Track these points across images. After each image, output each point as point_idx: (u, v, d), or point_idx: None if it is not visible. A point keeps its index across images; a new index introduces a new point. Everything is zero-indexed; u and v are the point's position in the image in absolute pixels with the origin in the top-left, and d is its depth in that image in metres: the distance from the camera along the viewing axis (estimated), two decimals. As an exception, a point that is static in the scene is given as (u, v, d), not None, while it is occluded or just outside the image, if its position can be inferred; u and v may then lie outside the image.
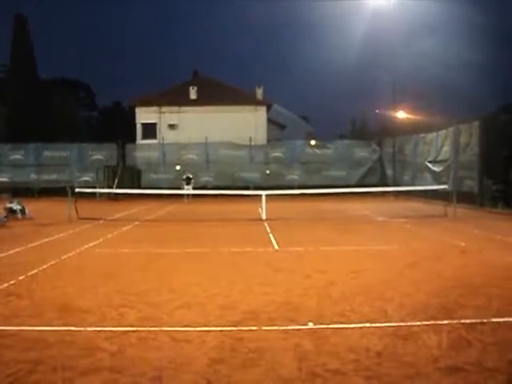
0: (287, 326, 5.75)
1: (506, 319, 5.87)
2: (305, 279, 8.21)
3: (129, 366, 4.65)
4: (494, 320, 5.83)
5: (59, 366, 4.63)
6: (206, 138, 34.37)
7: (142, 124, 39.10)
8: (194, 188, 29.86)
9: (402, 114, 35.48)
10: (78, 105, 55.04)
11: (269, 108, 41.69)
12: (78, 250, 11.21)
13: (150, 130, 38.68)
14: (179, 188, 29.05)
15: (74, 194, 18.74)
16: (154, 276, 8.63)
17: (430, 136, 27.01)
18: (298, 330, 5.63)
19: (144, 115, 39.13)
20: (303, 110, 63.19)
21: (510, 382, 4.24)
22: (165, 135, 37.08)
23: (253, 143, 35.20)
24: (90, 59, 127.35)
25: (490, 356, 4.77)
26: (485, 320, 5.81)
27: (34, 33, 44.90)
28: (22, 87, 42.59)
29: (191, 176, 30.58)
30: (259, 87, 40.50)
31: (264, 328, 5.68)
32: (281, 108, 53.21)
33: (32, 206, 20.19)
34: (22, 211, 18.39)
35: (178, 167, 34.39)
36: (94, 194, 27.92)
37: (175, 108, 38.71)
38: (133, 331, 5.60)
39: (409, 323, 5.73)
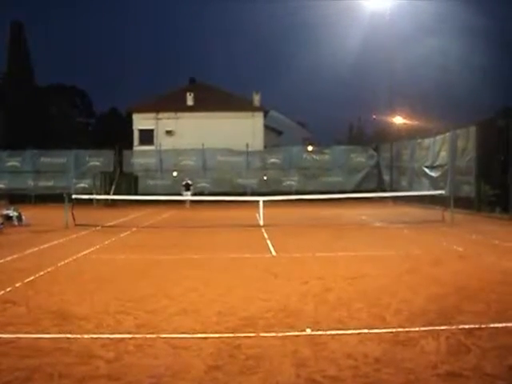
0: (285, 332, 5.73)
1: (504, 324, 5.86)
2: (302, 285, 8.19)
3: (126, 373, 4.61)
4: (492, 325, 5.81)
5: (56, 373, 4.60)
6: (203, 144, 34.37)
7: (139, 130, 39.13)
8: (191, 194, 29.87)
9: (399, 119, 35.58)
10: (75, 111, 55.06)
11: (266, 114, 41.79)
12: (74, 257, 11.18)
13: (147, 136, 38.72)
14: (176, 194, 28.99)
15: (70, 200, 18.69)
16: (151, 282, 8.59)
17: (428, 141, 27.06)
18: (296, 336, 5.60)
19: (141, 121, 39.17)
20: (300, 116, 63.20)
21: (509, 387, 4.23)
22: (162, 141, 37.11)
23: (250, 149, 35.19)
24: (87, 66, 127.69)
25: (488, 362, 4.75)
26: (483, 325, 5.79)
27: (30, 39, 44.93)
28: (19, 94, 42.60)
29: (191, 182, 30.54)
30: (256, 93, 40.57)
31: (262, 334, 5.66)
32: (278, 114, 53.33)
33: (29, 213, 20.14)
34: (19, 218, 18.34)
35: (174, 173, 34.38)
36: (91, 200, 27.88)
37: (172, 114, 38.78)
38: (130, 338, 5.57)
39: (407, 329, 5.71)
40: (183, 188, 30.09)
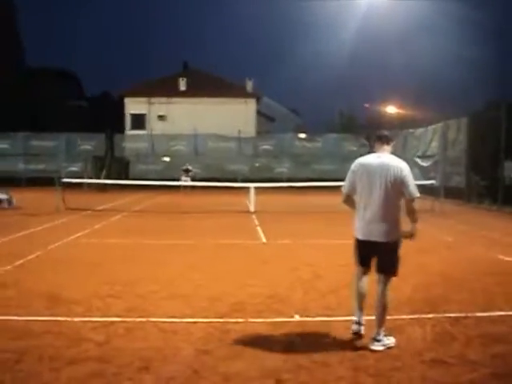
0: (274, 318, 5.79)
1: (489, 313, 5.95)
2: (292, 272, 8.25)
3: (115, 356, 4.66)
4: (477, 314, 5.90)
5: (46, 355, 4.63)
6: (195, 130, 34.24)
7: (131, 114, 38.94)
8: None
9: (391, 109, 35.62)
10: (67, 94, 54.54)
11: (258, 100, 41.67)
12: (65, 241, 11.17)
13: (138, 121, 38.54)
14: (168, 179, 28.73)
15: (61, 184, 18.62)
16: (141, 267, 8.61)
17: (419, 131, 27.13)
18: (285, 322, 5.67)
19: (133, 106, 38.97)
20: (293, 103, 63.19)
21: (492, 374, 4.31)
22: (154, 126, 36.93)
23: (242, 135, 35.06)
24: (80, 49, 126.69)
25: (473, 349, 4.84)
26: (469, 314, 5.88)
27: (23, 21, 44.52)
28: (10, 76, 42.19)
29: (190, 167, 30.30)
30: (249, 79, 40.42)
31: (250, 320, 5.71)
32: (270, 101, 53.18)
33: (19, 196, 20.03)
34: (9, 201, 18.28)
35: (166, 159, 34.22)
36: (81, 184, 27.75)
37: (164, 99, 38.58)
38: (120, 322, 5.61)
39: (394, 317, 5.76)
40: (183, 173, 29.81)
